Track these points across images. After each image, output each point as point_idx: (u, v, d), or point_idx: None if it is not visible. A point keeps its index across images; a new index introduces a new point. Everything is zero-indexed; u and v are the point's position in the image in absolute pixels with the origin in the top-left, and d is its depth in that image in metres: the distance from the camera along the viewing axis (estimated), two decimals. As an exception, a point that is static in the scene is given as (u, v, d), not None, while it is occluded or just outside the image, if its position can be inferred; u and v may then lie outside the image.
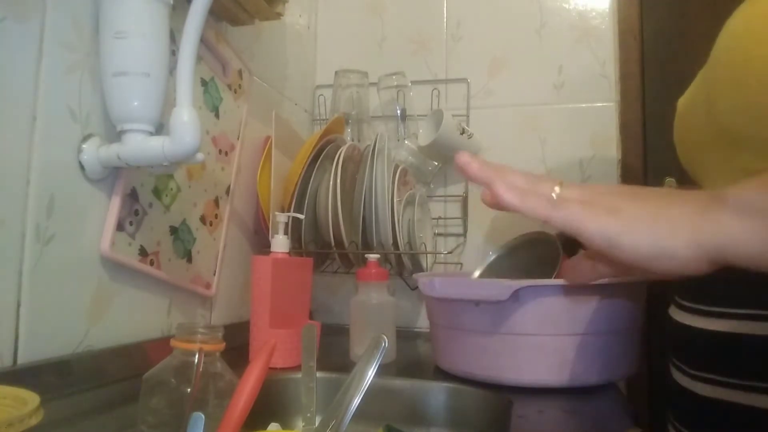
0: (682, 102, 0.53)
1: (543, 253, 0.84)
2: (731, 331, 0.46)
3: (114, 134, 0.62)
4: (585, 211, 0.37)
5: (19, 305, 0.54)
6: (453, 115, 1.12)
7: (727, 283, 0.46)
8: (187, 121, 0.58)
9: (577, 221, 0.37)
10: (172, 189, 0.75)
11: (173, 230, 0.76)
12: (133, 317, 0.69)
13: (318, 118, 1.29)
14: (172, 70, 0.63)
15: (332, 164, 0.96)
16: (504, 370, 0.67)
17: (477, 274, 0.93)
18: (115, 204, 0.64)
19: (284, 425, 0.62)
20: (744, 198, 0.33)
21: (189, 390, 0.45)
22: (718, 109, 0.42)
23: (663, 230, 0.35)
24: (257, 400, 0.68)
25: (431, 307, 0.79)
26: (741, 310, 0.46)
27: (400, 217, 0.98)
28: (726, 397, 0.45)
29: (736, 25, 0.41)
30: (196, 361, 0.46)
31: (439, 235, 1.20)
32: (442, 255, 1.15)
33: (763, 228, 0.31)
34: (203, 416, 0.37)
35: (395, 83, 1.18)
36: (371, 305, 0.84)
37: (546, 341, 0.65)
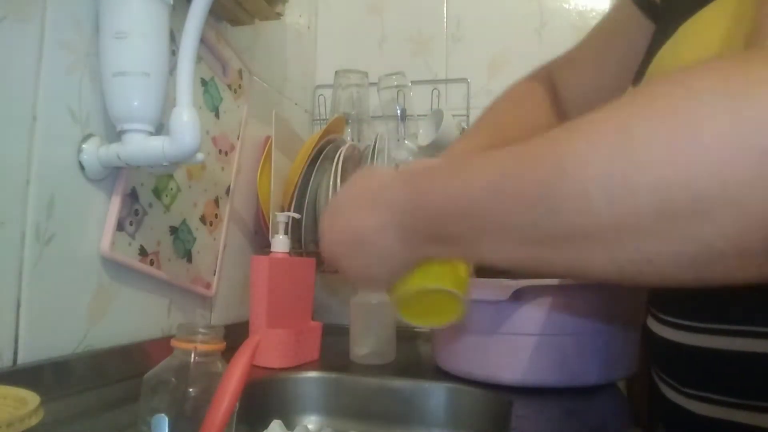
0: None
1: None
2: (727, 349, 0.43)
3: (114, 134, 0.62)
4: None
5: (19, 305, 0.54)
6: (453, 115, 1.12)
7: (709, 296, 0.43)
8: (187, 121, 0.58)
9: None
10: (172, 189, 0.75)
11: (173, 230, 0.76)
12: (133, 317, 0.69)
13: (318, 118, 1.29)
14: (172, 70, 0.63)
15: (332, 164, 0.96)
16: (504, 370, 0.67)
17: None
18: (115, 204, 0.64)
19: (286, 423, 0.63)
20: None
21: (190, 390, 0.45)
22: None
23: None
24: (258, 399, 0.69)
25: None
26: (732, 326, 0.43)
27: (400, 217, 0.98)
28: (726, 417, 0.43)
29: None
30: (192, 359, 0.46)
31: (439, 235, 1.19)
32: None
33: None
34: (166, 417, 0.37)
35: (395, 83, 1.18)
36: (371, 305, 0.84)
37: (546, 341, 0.65)
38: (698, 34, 0.40)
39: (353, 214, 0.43)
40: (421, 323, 0.48)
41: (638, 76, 0.50)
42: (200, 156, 0.61)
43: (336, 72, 1.21)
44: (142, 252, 0.69)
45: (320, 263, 1.05)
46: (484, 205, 0.33)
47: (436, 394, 0.69)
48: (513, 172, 0.31)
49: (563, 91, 0.68)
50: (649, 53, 0.48)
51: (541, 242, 0.31)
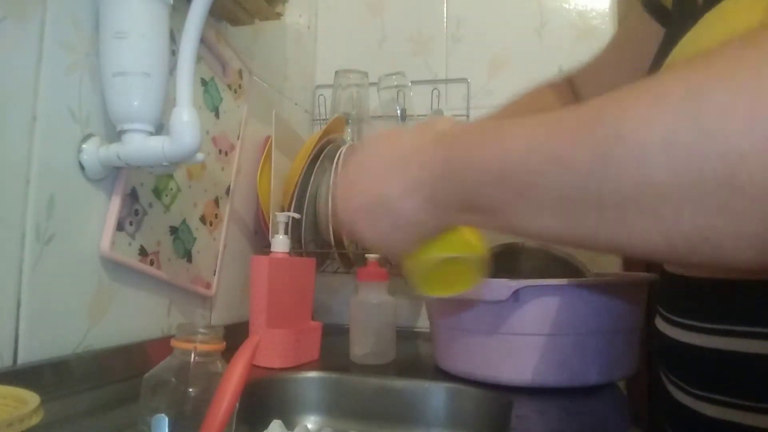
0: None
1: (513, 267, 0.83)
2: (737, 350, 0.42)
3: (114, 134, 0.62)
4: None
5: (19, 305, 0.54)
6: (453, 115, 1.12)
7: (720, 297, 0.43)
8: (187, 121, 0.58)
9: None
10: (172, 189, 0.75)
11: (173, 230, 0.76)
12: (133, 317, 0.69)
13: (318, 118, 1.29)
14: (172, 70, 0.63)
15: (332, 164, 0.96)
16: (504, 370, 0.67)
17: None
18: (115, 204, 0.64)
19: (286, 423, 0.63)
20: None
21: (190, 390, 0.45)
22: None
23: None
24: (258, 399, 0.69)
25: (431, 307, 0.79)
26: (743, 328, 0.42)
27: (400, 217, 0.98)
28: (734, 419, 0.42)
29: None
30: (192, 359, 0.46)
31: (439, 235, 1.19)
32: (442, 255, 1.14)
33: None
34: (166, 417, 0.37)
35: (395, 83, 1.17)
36: (371, 305, 0.84)
37: (546, 341, 0.65)
38: (723, 22, 0.39)
39: (378, 176, 0.40)
40: (438, 293, 0.47)
41: (654, 69, 0.49)
42: (200, 156, 0.61)
43: (336, 72, 1.21)
44: (142, 252, 0.69)
45: (320, 263, 1.06)
46: (526, 170, 0.31)
47: (436, 394, 0.69)
48: (560, 135, 0.29)
49: (582, 89, 0.70)
50: (664, 49, 0.47)
51: (586, 211, 0.28)
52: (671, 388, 0.49)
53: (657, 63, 0.49)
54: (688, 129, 0.24)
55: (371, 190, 0.40)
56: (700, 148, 0.23)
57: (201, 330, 0.48)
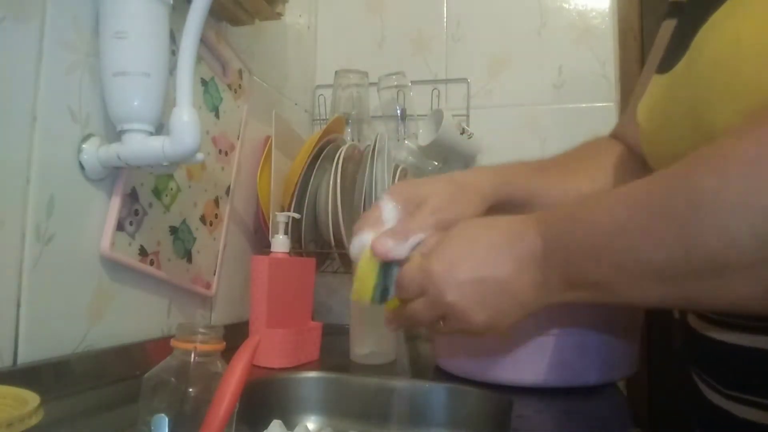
0: (647, 115, 0.50)
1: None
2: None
3: (114, 134, 0.62)
4: None
5: (19, 305, 0.54)
6: (453, 115, 1.12)
7: None
8: (187, 121, 0.58)
9: None
10: (172, 189, 0.75)
11: (173, 230, 0.76)
12: (133, 317, 0.69)
13: (318, 118, 1.29)
14: (172, 70, 0.63)
15: (332, 164, 0.96)
16: (504, 370, 0.67)
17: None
18: (115, 204, 0.64)
19: (286, 423, 0.63)
20: None
21: (190, 390, 0.45)
22: (717, 128, 0.39)
23: None
24: (258, 399, 0.68)
25: (431, 307, 0.79)
26: None
27: (400, 217, 0.98)
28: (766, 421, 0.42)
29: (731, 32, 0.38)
30: (192, 359, 0.46)
31: (439, 235, 1.19)
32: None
33: None
34: (166, 417, 0.37)
35: (395, 83, 1.18)
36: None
37: (546, 341, 0.65)
38: (759, 0, 0.38)
39: (486, 263, 0.41)
40: None
41: (669, 58, 0.47)
42: (200, 156, 0.61)
43: (336, 72, 1.21)
44: (142, 252, 0.69)
45: (320, 263, 1.06)
46: (618, 244, 0.33)
47: (436, 394, 0.69)
48: (645, 211, 0.31)
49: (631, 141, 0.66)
50: (681, 37, 0.45)
51: (683, 277, 0.30)
52: (704, 389, 0.48)
53: (672, 55, 0.46)
54: (757, 194, 0.26)
55: (483, 275, 0.41)
56: None
57: (201, 330, 0.48)
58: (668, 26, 0.53)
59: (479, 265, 0.42)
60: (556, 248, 0.38)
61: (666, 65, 0.47)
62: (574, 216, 0.37)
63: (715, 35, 0.40)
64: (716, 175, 0.28)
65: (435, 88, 1.22)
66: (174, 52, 0.67)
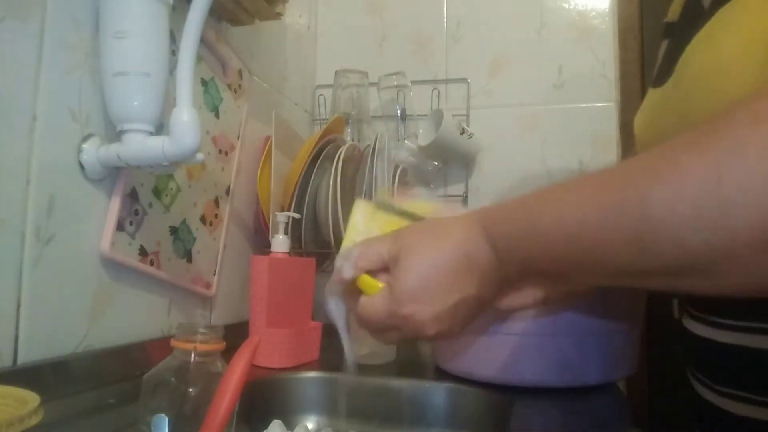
0: (642, 127, 0.52)
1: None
2: (764, 348, 0.43)
3: (114, 134, 0.62)
4: None
5: (19, 305, 0.54)
6: (453, 115, 1.12)
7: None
8: (187, 121, 0.58)
9: None
10: (172, 189, 0.75)
11: (173, 230, 0.76)
12: (133, 317, 0.69)
13: (318, 118, 1.29)
14: (172, 70, 0.63)
15: (332, 164, 0.96)
16: (504, 370, 0.67)
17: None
18: (115, 204, 0.64)
19: (286, 423, 0.63)
20: None
21: (190, 390, 0.45)
22: None
23: None
24: (258, 399, 0.68)
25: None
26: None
27: (400, 217, 0.98)
28: (762, 417, 0.42)
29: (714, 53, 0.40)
30: (192, 359, 0.46)
31: (439, 235, 1.19)
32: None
33: None
34: (166, 417, 0.37)
35: (395, 83, 1.18)
36: (371, 305, 0.83)
37: (546, 341, 0.65)
38: (737, 21, 0.40)
39: (448, 284, 0.42)
40: None
41: (662, 74, 0.50)
42: (200, 156, 0.61)
43: (336, 72, 1.21)
44: (142, 252, 0.69)
45: (320, 263, 1.05)
46: (568, 252, 0.34)
47: (436, 394, 0.69)
48: (596, 221, 0.32)
49: None
50: (670, 57, 0.48)
51: (641, 275, 0.32)
52: (698, 387, 0.49)
53: (664, 71, 0.49)
54: (712, 206, 0.27)
55: (448, 299, 0.42)
56: (730, 222, 0.26)
57: (201, 330, 0.48)
58: (664, 45, 0.55)
59: (445, 294, 0.42)
60: (509, 261, 0.40)
61: (659, 80, 0.50)
62: (529, 217, 0.38)
63: (698, 54, 0.42)
64: (670, 188, 0.28)
65: (435, 88, 1.22)
66: (174, 52, 0.67)
